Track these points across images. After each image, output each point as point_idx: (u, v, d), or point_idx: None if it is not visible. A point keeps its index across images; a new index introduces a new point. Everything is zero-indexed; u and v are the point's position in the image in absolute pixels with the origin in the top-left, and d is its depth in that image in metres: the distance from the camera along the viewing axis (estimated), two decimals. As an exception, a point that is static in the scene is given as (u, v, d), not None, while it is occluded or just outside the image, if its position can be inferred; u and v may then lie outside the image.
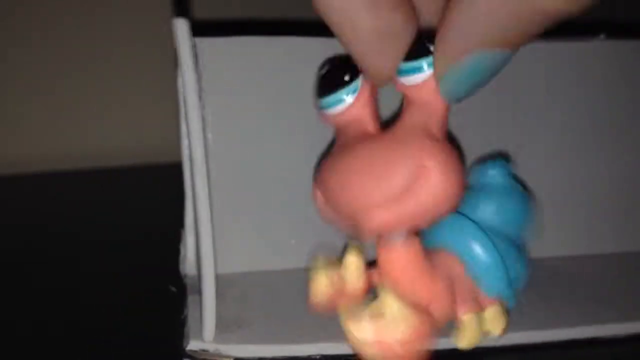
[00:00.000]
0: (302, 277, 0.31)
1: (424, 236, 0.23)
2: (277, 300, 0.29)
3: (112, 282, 0.32)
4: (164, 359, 0.25)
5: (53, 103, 0.53)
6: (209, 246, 0.24)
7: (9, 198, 0.46)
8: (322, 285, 0.24)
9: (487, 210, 0.24)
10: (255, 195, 0.31)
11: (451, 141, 0.22)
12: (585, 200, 0.33)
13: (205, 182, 0.24)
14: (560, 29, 0.20)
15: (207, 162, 0.24)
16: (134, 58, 0.54)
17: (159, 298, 0.30)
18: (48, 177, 0.49)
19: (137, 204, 0.45)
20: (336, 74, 0.24)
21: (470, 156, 0.30)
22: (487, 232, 0.23)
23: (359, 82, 0.23)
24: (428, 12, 0.23)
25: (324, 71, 0.25)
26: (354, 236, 0.23)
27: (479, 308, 0.23)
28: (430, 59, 0.21)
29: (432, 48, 0.21)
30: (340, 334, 0.25)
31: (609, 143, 0.33)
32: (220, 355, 0.25)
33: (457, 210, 0.23)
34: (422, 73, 0.21)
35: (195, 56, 0.25)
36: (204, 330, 0.25)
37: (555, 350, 0.26)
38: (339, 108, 0.24)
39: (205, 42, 0.29)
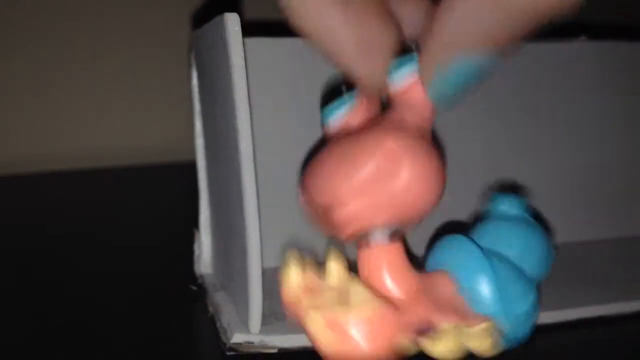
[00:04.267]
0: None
1: (430, 259, 0.23)
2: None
3: (115, 282, 0.32)
4: (180, 358, 0.26)
5: (54, 103, 0.52)
6: (256, 240, 0.25)
7: (9, 198, 0.45)
8: (293, 283, 0.21)
9: (500, 240, 0.23)
10: (277, 192, 0.32)
11: (435, 143, 0.22)
12: (578, 190, 0.36)
13: (253, 177, 0.24)
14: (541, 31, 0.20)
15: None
16: (136, 59, 0.54)
17: (164, 298, 0.30)
18: (48, 177, 0.48)
19: (139, 204, 0.45)
20: (337, 87, 0.24)
21: (459, 154, 0.32)
22: (490, 256, 0.22)
23: (354, 94, 0.23)
24: (411, 21, 0.23)
25: (330, 86, 0.25)
26: (334, 237, 0.22)
27: (465, 323, 0.21)
28: (415, 64, 0.21)
29: (417, 54, 0.21)
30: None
31: (589, 139, 0.35)
32: (266, 347, 0.25)
33: (468, 236, 0.22)
34: (407, 78, 0.21)
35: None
36: (250, 322, 0.25)
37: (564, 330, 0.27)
38: (336, 119, 0.23)
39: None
